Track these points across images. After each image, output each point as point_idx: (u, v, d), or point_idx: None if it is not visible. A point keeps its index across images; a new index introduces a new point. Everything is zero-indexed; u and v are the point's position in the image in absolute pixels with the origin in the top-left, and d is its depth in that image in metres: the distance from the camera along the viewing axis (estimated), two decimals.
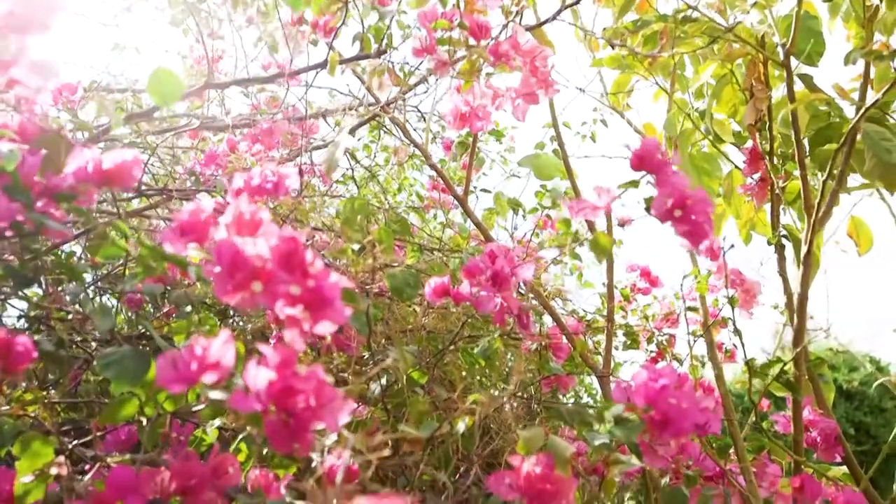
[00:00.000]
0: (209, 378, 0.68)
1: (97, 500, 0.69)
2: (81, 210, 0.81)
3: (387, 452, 0.93)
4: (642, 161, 0.91)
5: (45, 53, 0.76)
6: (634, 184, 0.95)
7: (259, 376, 0.64)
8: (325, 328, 0.70)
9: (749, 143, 1.45)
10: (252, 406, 0.63)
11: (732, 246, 1.11)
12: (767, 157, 1.38)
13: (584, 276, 1.93)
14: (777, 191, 1.37)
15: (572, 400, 2.10)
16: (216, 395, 0.69)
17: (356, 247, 0.92)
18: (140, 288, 1.34)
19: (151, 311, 1.56)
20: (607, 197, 0.96)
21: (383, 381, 1.18)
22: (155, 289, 1.43)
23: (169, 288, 1.55)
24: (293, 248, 0.68)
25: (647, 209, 0.94)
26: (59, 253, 1.10)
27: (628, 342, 1.72)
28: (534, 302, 1.44)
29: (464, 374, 1.33)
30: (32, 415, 0.96)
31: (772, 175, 1.36)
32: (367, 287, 1.23)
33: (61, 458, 0.85)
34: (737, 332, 1.62)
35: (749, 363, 1.07)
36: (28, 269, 0.77)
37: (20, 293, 0.87)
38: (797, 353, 1.14)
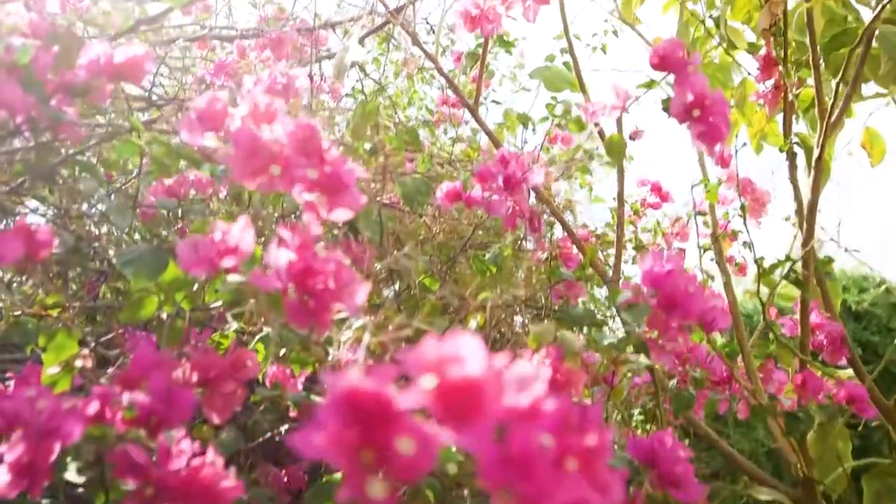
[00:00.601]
0: (228, 262, 0.69)
1: (122, 380, 0.71)
2: (96, 106, 0.81)
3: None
4: (663, 60, 0.91)
5: None
6: (652, 84, 0.95)
7: (279, 257, 0.65)
8: (342, 215, 0.71)
9: (763, 50, 1.43)
10: (272, 285, 0.65)
11: (745, 144, 1.10)
12: (781, 64, 1.37)
13: (595, 192, 1.93)
14: (791, 97, 1.36)
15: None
16: (235, 278, 0.70)
17: (367, 146, 0.93)
18: (153, 202, 1.36)
19: (165, 227, 1.58)
20: (624, 96, 0.96)
21: (396, 287, 1.20)
22: (168, 203, 1.44)
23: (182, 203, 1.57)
24: (310, 134, 0.69)
25: (665, 109, 0.94)
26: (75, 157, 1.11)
27: (637, 255, 1.73)
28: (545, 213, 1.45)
29: (476, 283, 1.34)
30: (54, 316, 0.99)
31: (785, 82, 1.35)
32: (379, 197, 1.24)
33: (86, 351, 0.88)
34: (747, 244, 1.63)
35: (758, 261, 1.09)
36: (44, 165, 0.78)
37: (35, 193, 0.89)
38: (806, 253, 1.15)
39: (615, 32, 1.74)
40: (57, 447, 0.67)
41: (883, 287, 3.30)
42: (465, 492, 1.01)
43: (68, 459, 0.74)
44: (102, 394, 0.72)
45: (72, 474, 0.75)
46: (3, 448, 0.69)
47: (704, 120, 0.88)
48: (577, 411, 0.46)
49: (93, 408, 0.71)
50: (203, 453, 0.71)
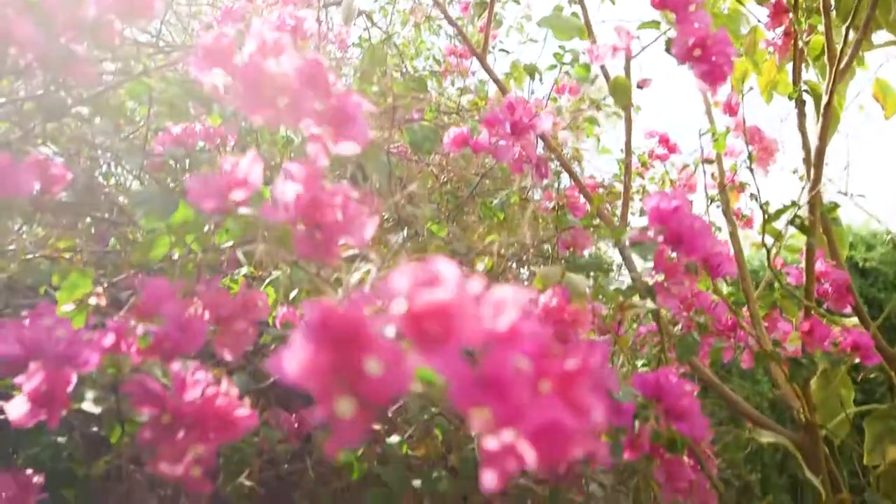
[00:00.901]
0: (238, 195, 0.70)
1: (137, 310, 0.72)
2: (105, 47, 0.82)
3: None
4: (664, 0, 0.91)
5: None
6: (655, 24, 0.95)
7: (287, 189, 0.66)
8: (349, 148, 0.72)
9: None
10: (280, 217, 0.66)
11: (751, 89, 1.10)
12: (791, 11, 1.35)
13: (602, 144, 1.93)
14: (801, 45, 1.35)
15: None
16: (245, 211, 0.71)
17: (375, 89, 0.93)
18: (161, 151, 1.37)
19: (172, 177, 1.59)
20: (627, 37, 0.96)
21: (404, 233, 1.21)
22: (176, 152, 1.45)
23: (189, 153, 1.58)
24: (317, 68, 0.69)
25: (667, 49, 0.94)
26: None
27: (644, 202, 1.73)
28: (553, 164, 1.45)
29: (483, 230, 1.36)
30: (66, 257, 1.00)
31: (795, 29, 1.34)
32: (387, 144, 1.25)
33: (100, 289, 0.89)
34: (754, 196, 1.63)
35: (764, 207, 1.09)
36: (56, 102, 0.79)
37: (48, 135, 0.90)
38: (812, 199, 1.15)
39: None
40: (74, 377, 0.69)
41: (889, 239, 3.29)
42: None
43: (85, 390, 0.76)
44: (117, 327, 0.74)
45: (88, 405, 0.77)
46: (21, 378, 0.71)
47: (706, 60, 0.88)
48: (578, 345, 0.46)
49: (108, 340, 0.73)
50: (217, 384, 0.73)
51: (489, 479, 0.38)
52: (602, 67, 1.28)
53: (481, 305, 0.40)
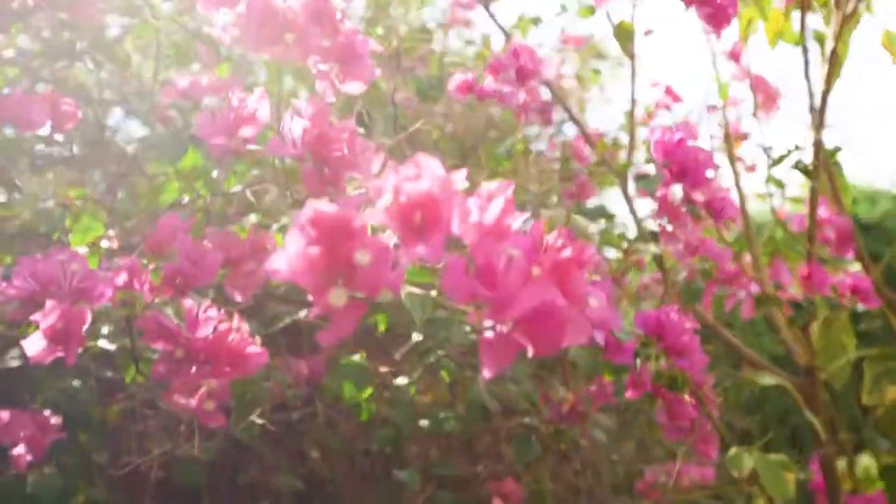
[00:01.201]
0: (247, 130, 0.71)
1: (149, 246, 0.74)
2: None
3: None
4: None
5: None
6: None
7: (295, 125, 0.67)
8: (355, 87, 0.73)
9: None
10: (288, 152, 0.67)
11: (756, 31, 1.10)
12: None
13: (607, 97, 1.92)
14: None
15: None
16: (254, 147, 0.73)
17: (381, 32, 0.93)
18: (167, 103, 1.37)
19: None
20: None
21: None
22: (182, 105, 1.46)
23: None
24: (323, 4, 0.70)
25: None
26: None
27: (648, 157, 1.73)
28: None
29: (488, 178, 1.36)
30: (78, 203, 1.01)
31: None
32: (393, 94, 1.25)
33: (111, 232, 0.91)
34: (763, 147, 1.63)
35: (766, 150, 1.10)
36: (65, 44, 0.80)
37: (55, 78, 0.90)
38: (815, 142, 1.15)
39: None
40: (89, 314, 0.71)
41: (894, 196, 3.29)
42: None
43: (100, 327, 0.78)
44: (130, 266, 0.75)
45: (104, 342, 0.79)
46: (37, 315, 0.72)
47: (711, 2, 0.88)
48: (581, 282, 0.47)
49: (121, 278, 0.74)
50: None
51: (486, 370, 0.40)
52: (607, 15, 1.28)
53: (470, 200, 0.42)
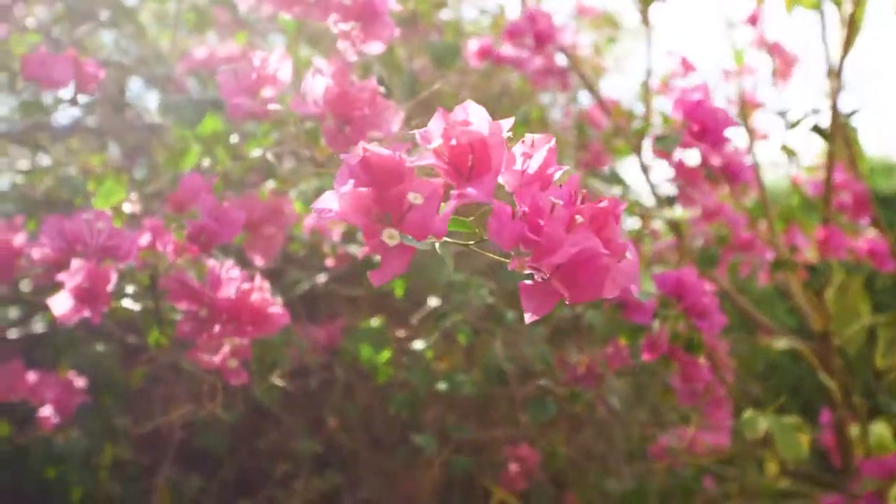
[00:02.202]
0: (268, 91, 0.72)
1: (172, 202, 0.75)
2: None
3: None
4: None
5: None
6: None
7: (316, 84, 0.68)
8: (375, 47, 0.73)
9: None
10: (310, 110, 0.68)
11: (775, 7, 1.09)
12: None
13: (622, 68, 1.91)
14: None
15: None
16: (275, 106, 0.73)
17: None
18: (184, 71, 1.37)
19: None
20: None
21: None
22: (198, 71, 1.46)
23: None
24: None
25: None
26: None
27: (665, 125, 1.72)
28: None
29: None
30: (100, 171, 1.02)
31: None
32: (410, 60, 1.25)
33: (134, 196, 0.92)
34: (780, 112, 1.62)
35: (782, 113, 1.09)
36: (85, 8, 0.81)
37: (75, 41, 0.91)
38: (832, 105, 1.15)
39: None
40: (114, 275, 0.72)
41: None
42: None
43: (125, 286, 0.79)
44: (154, 226, 0.77)
45: (128, 302, 0.80)
46: (63, 275, 0.73)
47: None
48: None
49: (145, 239, 0.75)
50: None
51: (529, 315, 0.41)
52: None
53: (514, 148, 0.43)
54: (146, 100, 1.44)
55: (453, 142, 0.41)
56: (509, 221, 0.40)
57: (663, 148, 0.86)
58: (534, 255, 0.41)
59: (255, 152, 0.95)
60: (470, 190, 0.41)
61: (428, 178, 0.41)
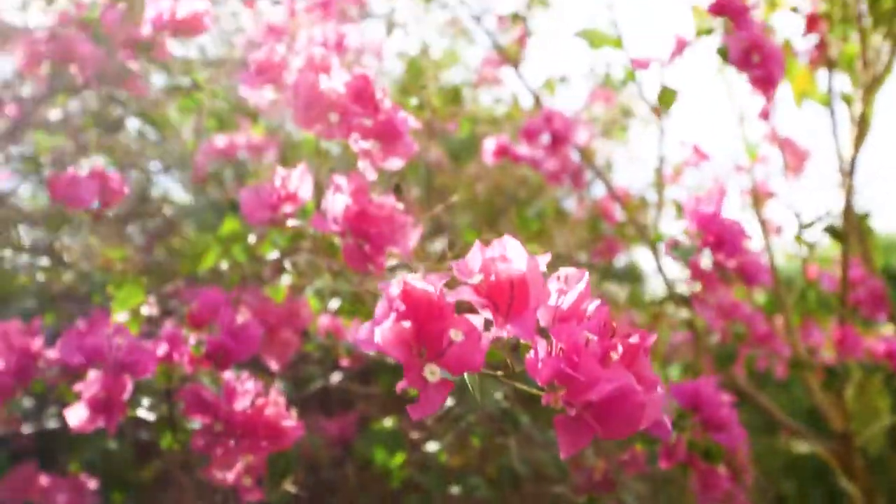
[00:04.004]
0: (288, 208, 0.73)
1: (190, 318, 0.75)
2: (160, 62, 0.85)
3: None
4: (723, 7, 0.92)
5: None
6: (708, 31, 0.96)
7: (336, 202, 0.69)
8: (395, 163, 0.74)
9: (807, 7, 1.42)
10: (330, 228, 0.68)
11: (783, 96, 1.10)
12: (825, 19, 1.36)
13: (633, 153, 1.93)
14: (833, 54, 1.35)
15: None
16: (294, 223, 0.74)
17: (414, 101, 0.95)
18: (204, 162, 1.40)
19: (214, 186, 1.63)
20: (681, 44, 0.97)
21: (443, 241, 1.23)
22: (218, 162, 1.48)
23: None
24: (365, 84, 0.72)
25: (722, 55, 0.95)
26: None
27: (677, 215, 1.74)
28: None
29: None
30: (119, 268, 1.03)
31: (829, 38, 1.35)
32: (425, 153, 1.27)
33: (151, 299, 0.92)
34: (785, 205, 1.63)
35: (797, 216, 1.10)
36: (113, 117, 0.82)
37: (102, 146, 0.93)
38: (846, 205, 1.15)
39: None
40: (131, 384, 0.72)
41: None
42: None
43: (140, 397, 0.78)
44: (171, 336, 0.77)
45: (143, 412, 0.80)
46: (80, 385, 0.73)
47: (762, 65, 0.90)
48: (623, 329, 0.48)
49: (162, 349, 0.75)
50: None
51: (564, 450, 0.41)
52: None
53: (547, 279, 0.43)
54: (164, 185, 1.46)
55: (493, 278, 0.42)
56: (548, 358, 0.41)
57: (679, 257, 0.86)
58: (569, 391, 0.41)
59: (272, 255, 0.96)
60: (511, 328, 0.41)
61: (467, 315, 0.42)
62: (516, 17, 1.51)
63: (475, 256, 0.43)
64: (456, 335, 0.40)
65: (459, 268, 0.44)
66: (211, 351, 0.71)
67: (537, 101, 1.47)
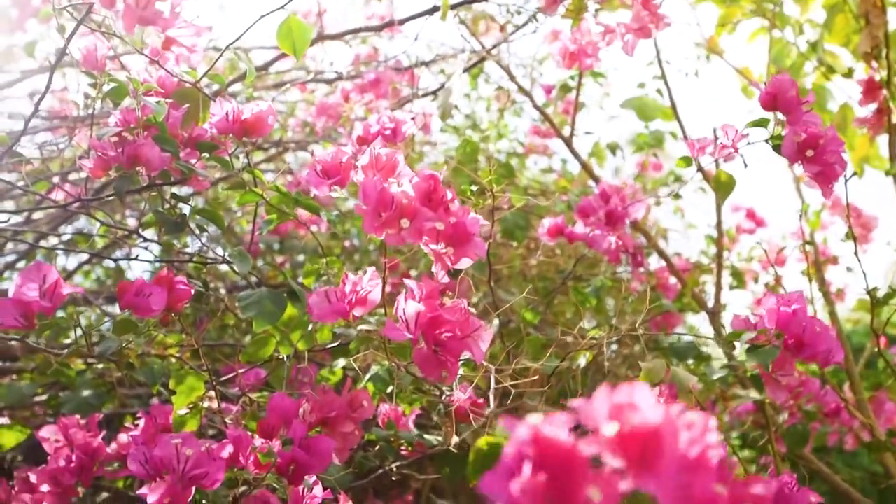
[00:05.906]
0: (359, 311, 0.71)
1: (262, 428, 0.73)
2: (222, 159, 0.85)
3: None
4: (774, 99, 0.90)
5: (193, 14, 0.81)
6: (763, 122, 0.93)
7: (408, 308, 0.67)
8: (466, 263, 0.73)
9: (864, 74, 1.40)
10: (402, 335, 0.67)
11: (855, 173, 1.07)
12: (885, 87, 1.33)
13: (687, 217, 1.91)
14: (894, 120, 1.32)
15: None
16: (365, 326, 0.73)
17: (475, 188, 0.94)
18: (257, 240, 1.40)
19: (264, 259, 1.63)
20: (737, 137, 0.95)
21: (498, 321, 1.21)
22: (270, 240, 1.48)
23: (282, 241, 1.62)
24: (434, 186, 0.71)
25: (775, 148, 0.92)
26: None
27: (734, 283, 1.70)
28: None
29: (572, 315, 1.35)
30: (176, 356, 1.02)
31: (889, 104, 1.32)
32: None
33: (212, 393, 0.91)
34: (850, 269, 1.58)
35: (871, 292, 1.06)
36: (176, 217, 0.82)
37: (163, 241, 0.93)
38: None
39: (707, 56, 1.71)
40: (193, 490, 0.70)
41: None
42: None
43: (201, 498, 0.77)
44: (236, 438, 0.75)
45: None
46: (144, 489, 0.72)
47: (819, 160, 0.87)
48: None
49: (227, 451, 0.74)
50: None
51: None
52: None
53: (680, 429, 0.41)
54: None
55: (626, 429, 0.40)
56: None
57: (758, 360, 0.83)
58: None
59: (332, 344, 0.95)
60: (646, 484, 0.39)
61: (606, 472, 0.40)
62: (564, 87, 1.51)
63: (601, 403, 0.41)
64: (595, 495, 0.38)
65: (585, 414, 0.42)
66: (283, 465, 0.69)
67: (586, 169, 1.46)
